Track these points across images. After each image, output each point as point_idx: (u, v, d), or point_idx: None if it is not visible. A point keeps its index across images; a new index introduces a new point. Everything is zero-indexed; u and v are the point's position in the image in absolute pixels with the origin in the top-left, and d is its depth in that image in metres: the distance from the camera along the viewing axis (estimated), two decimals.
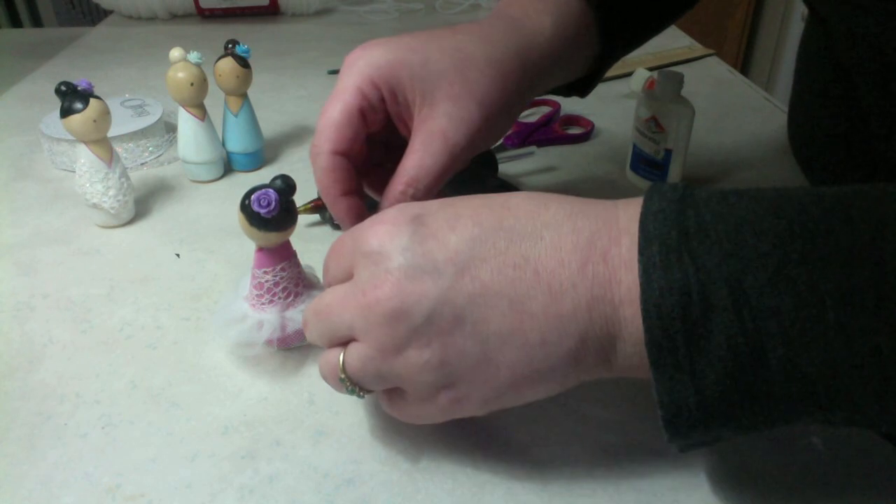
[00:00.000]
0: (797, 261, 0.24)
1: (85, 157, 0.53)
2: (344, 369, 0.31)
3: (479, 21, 0.41)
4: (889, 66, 0.42)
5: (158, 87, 0.84)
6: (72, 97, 0.50)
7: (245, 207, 0.38)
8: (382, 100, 0.36)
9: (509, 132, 0.68)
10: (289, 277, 0.40)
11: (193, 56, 0.58)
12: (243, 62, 0.60)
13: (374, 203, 0.38)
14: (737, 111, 0.77)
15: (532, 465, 0.35)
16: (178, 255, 0.52)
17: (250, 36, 1.06)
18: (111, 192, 0.53)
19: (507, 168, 0.64)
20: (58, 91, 0.50)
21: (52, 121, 0.66)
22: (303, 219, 0.54)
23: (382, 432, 0.36)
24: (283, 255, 0.40)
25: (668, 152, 0.58)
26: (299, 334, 0.41)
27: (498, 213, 0.30)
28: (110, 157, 0.53)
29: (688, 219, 0.26)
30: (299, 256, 0.42)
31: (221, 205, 0.59)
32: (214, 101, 0.61)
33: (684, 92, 0.57)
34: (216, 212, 0.58)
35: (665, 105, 0.57)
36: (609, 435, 0.36)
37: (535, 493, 0.33)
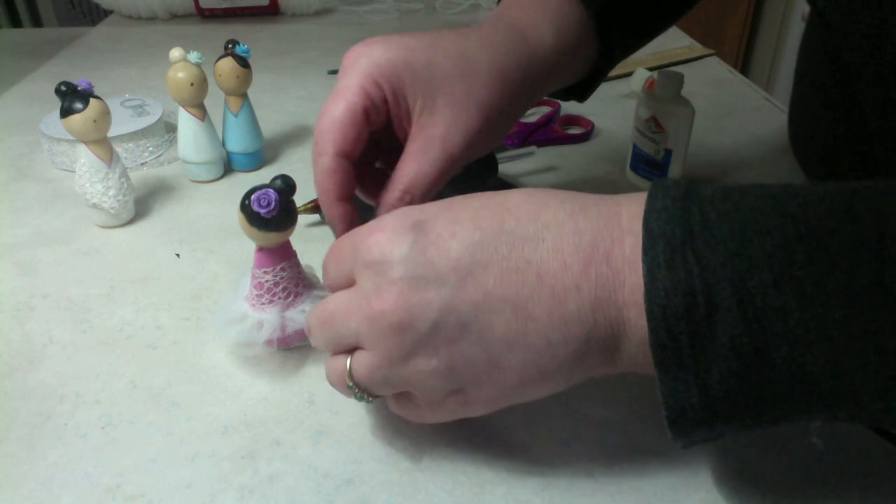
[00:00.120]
0: (802, 261, 0.24)
1: (85, 157, 0.53)
2: (351, 376, 0.32)
3: (482, 26, 0.40)
4: (890, 65, 0.42)
5: (158, 87, 0.84)
6: (72, 97, 0.50)
7: (245, 207, 0.38)
8: (385, 100, 0.36)
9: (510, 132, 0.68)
10: (289, 277, 0.40)
11: (193, 56, 0.58)
12: (243, 62, 0.60)
13: (364, 205, 0.38)
14: (737, 111, 0.77)
15: (532, 465, 0.35)
16: (178, 255, 0.52)
17: (250, 36, 1.06)
18: (111, 192, 0.53)
19: (507, 168, 0.64)
20: (58, 91, 0.50)
21: (52, 121, 0.66)
22: (303, 219, 0.54)
23: (382, 432, 0.36)
24: (283, 255, 0.40)
25: (668, 152, 0.58)
26: (299, 334, 0.41)
27: (498, 215, 0.30)
28: (110, 157, 0.53)
29: (692, 217, 0.26)
30: (299, 256, 0.42)
31: (221, 205, 0.59)
32: (214, 101, 0.61)
33: (684, 92, 0.57)
34: (216, 212, 0.58)
35: (665, 105, 0.57)
36: (609, 435, 0.36)
37: (535, 493, 0.33)
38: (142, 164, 0.66)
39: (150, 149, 0.67)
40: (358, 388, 0.32)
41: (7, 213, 0.58)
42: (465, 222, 0.30)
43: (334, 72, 0.90)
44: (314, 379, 0.40)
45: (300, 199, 0.41)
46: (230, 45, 0.61)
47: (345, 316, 0.31)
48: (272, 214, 0.37)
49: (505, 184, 0.60)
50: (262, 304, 0.40)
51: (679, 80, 0.56)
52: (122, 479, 0.34)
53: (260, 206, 0.37)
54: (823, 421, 0.27)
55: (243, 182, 0.63)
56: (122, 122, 0.66)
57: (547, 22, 0.40)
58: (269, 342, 0.41)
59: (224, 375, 0.41)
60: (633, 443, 0.36)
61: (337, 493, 0.33)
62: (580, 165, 0.66)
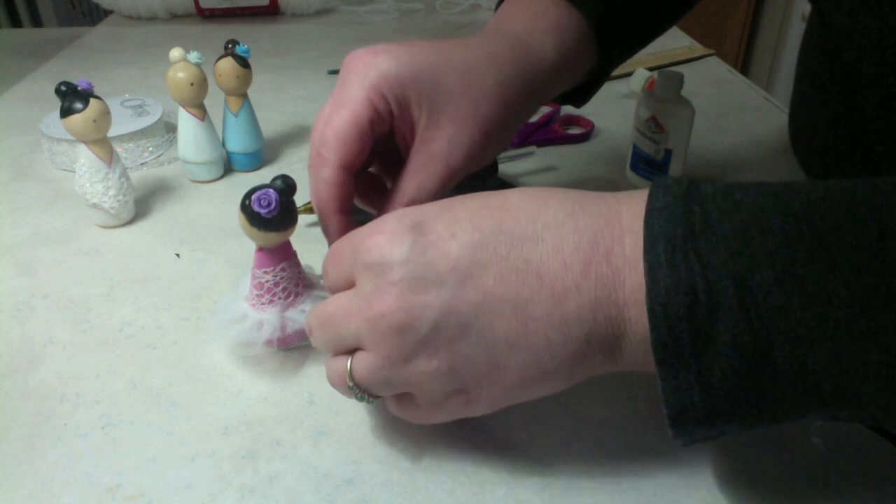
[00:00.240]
0: (804, 259, 0.24)
1: (85, 157, 0.53)
2: (352, 377, 0.32)
3: (486, 35, 0.40)
4: (890, 65, 0.42)
5: (158, 87, 0.84)
6: (72, 97, 0.50)
7: (245, 207, 0.38)
8: (390, 112, 0.36)
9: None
10: (289, 277, 0.40)
11: (193, 56, 0.58)
12: (243, 62, 0.60)
13: (354, 207, 0.38)
14: (737, 111, 0.77)
15: (532, 465, 0.35)
16: (178, 255, 0.52)
17: (250, 36, 1.06)
18: (111, 192, 0.53)
19: (507, 168, 0.64)
20: (58, 91, 0.50)
21: (52, 121, 0.66)
22: (303, 219, 0.54)
23: (382, 432, 0.36)
24: (283, 255, 0.40)
25: (668, 152, 0.58)
26: (299, 334, 0.41)
27: (497, 215, 0.30)
28: (110, 157, 0.53)
29: (693, 215, 0.26)
30: (299, 256, 0.42)
31: (221, 205, 0.59)
32: (214, 101, 0.61)
33: (684, 92, 0.57)
34: (216, 212, 0.58)
35: (665, 105, 0.57)
36: (609, 435, 0.36)
37: (535, 493, 0.33)
38: (142, 164, 0.66)
39: (150, 149, 0.67)
40: (358, 389, 0.32)
41: (7, 213, 0.58)
42: (465, 222, 0.30)
43: (334, 72, 0.90)
44: (314, 379, 0.40)
45: (300, 199, 0.40)
46: (230, 45, 0.61)
47: (345, 318, 0.31)
48: (273, 214, 0.37)
49: (505, 184, 0.60)
50: (263, 304, 0.40)
51: (679, 80, 0.56)
52: (122, 479, 0.34)
53: (260, 206, 0.37)
54: (824, 420, 0.27)
55: (243, 182, 0.63)
56: (122, 122, 0.66)
57: (549, 35, 0.40)
58: (269, 342, 0.41)
59: (224, 375, 0.41)
60: (633, 443, 0.36)
61: (337, 493, 0.33)
62: (580, 165, 0.66)
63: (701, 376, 0.26)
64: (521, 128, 0.42)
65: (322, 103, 0.37)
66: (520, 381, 0.30)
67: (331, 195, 0.36)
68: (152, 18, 1.15)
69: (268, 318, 0.40)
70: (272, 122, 0.74)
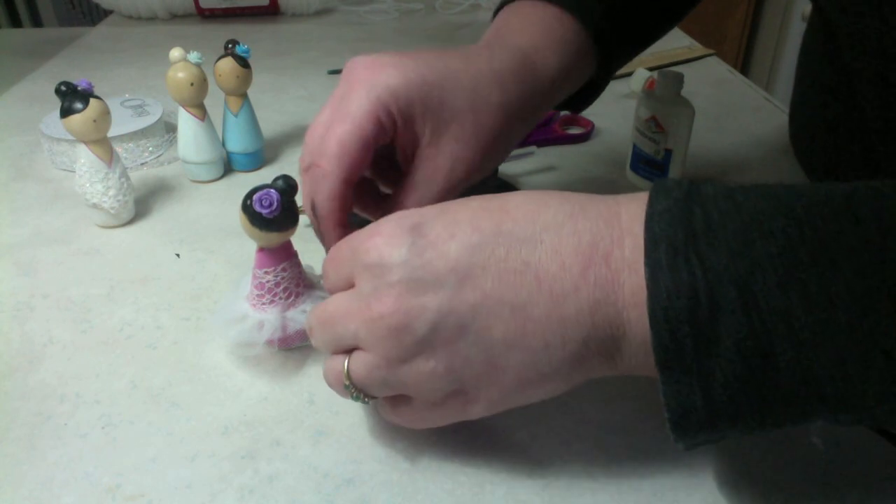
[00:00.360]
0: (806, 263, 0.24)
1: (85, 157, 0.53)
2: (349, 376, 0.32)
3: (491, 49, 0.39)
4: (891, 65, 0.42)
5: (158, 87, 0.84)
6: (72, 97, 0.50)
7: (247, 208, 0.38)
8: (394, 126, 0.36)
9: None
10: (290, 277, 0.40)
11: (193, 56, 0.58)
12: (243, 62, 0.60)
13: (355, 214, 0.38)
14: (737, 111, 0.77)
15: (532, 465, 0.35)
16: (178, 255, 0.52)
17: (250, 36, 1.06)
18: (111, 192, 0.53)
19: (507, 168, 0.64)
20: (58, 91, 0.50)
21: (52, 121, 0.66)
22: (304, 219, 0.54)
23: (382, 432, 0.36)
24: (284, 256, 0.40)
25: (668, 152, 0.58)
26: (300, 334, 0.41)
27: (496, 216, 0.30)
28: (110, 157, 0.53)
29: (695, 218, 0.26)
30: (300, 256, 0.42)
31: (221, 205, 0.59)
32: (214, 101, 0.61)
33: (684, 92, 0.57)
34: (216, 212, 0.58)
35: (665, 105, 0.57)
36: (609, 435, 0.36)
37: (535, 493, 0.33)
38: (142, 164, 0.66)
39: (150, 149, 0.67)
40: (355, 389, 0.32)
41: (7, 213, 0.58)
42: (464, 224, 0.30)
43: (334, 72, 0.90)
44: (314, 379, 0.40)
45: (301, 199, 0.40)
46: (230, 45, 0.61)
47: (344, 318, 0.31)
48: (274, 215, 0.37)
49: (505, 184, 0.60)
50: (263, 304, 0.40)
51: (679, 80, 0.56)
52: (122, 479, 0.34)
53: (262, 206, 0.37)
54: (826, 423, 0.27)
55: (243, 182, 0.63)
56: (122, 122, 0.66)
57: (553, 51, 0.40)
58: (269, 342, 0.41)
59: (224, 375, 0.41)
60: (633, 443, 0.36)
61: (337, 493, 0.33)
62: (580, 165, 0.66)
63: (703, 380, 0.25)
64: (521, 139, 0.42)
65: (322, 103, 0.37)
66: (518, 382, 0.30)
67: (332, 208, 0.36)
68: (152, 18, 1.15)
69: (269, 319, 0.40)
70: (272, 122, 0.74)
